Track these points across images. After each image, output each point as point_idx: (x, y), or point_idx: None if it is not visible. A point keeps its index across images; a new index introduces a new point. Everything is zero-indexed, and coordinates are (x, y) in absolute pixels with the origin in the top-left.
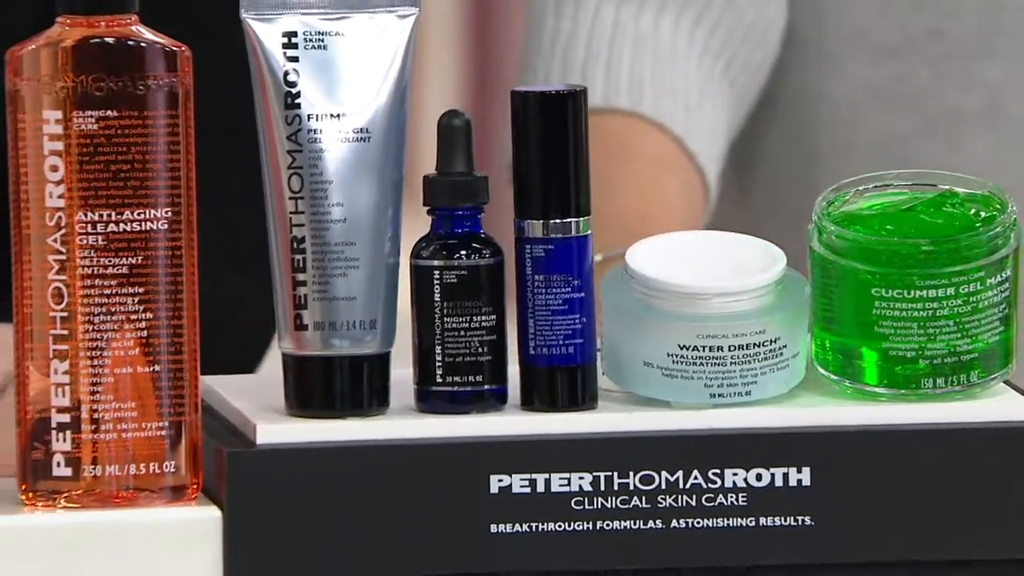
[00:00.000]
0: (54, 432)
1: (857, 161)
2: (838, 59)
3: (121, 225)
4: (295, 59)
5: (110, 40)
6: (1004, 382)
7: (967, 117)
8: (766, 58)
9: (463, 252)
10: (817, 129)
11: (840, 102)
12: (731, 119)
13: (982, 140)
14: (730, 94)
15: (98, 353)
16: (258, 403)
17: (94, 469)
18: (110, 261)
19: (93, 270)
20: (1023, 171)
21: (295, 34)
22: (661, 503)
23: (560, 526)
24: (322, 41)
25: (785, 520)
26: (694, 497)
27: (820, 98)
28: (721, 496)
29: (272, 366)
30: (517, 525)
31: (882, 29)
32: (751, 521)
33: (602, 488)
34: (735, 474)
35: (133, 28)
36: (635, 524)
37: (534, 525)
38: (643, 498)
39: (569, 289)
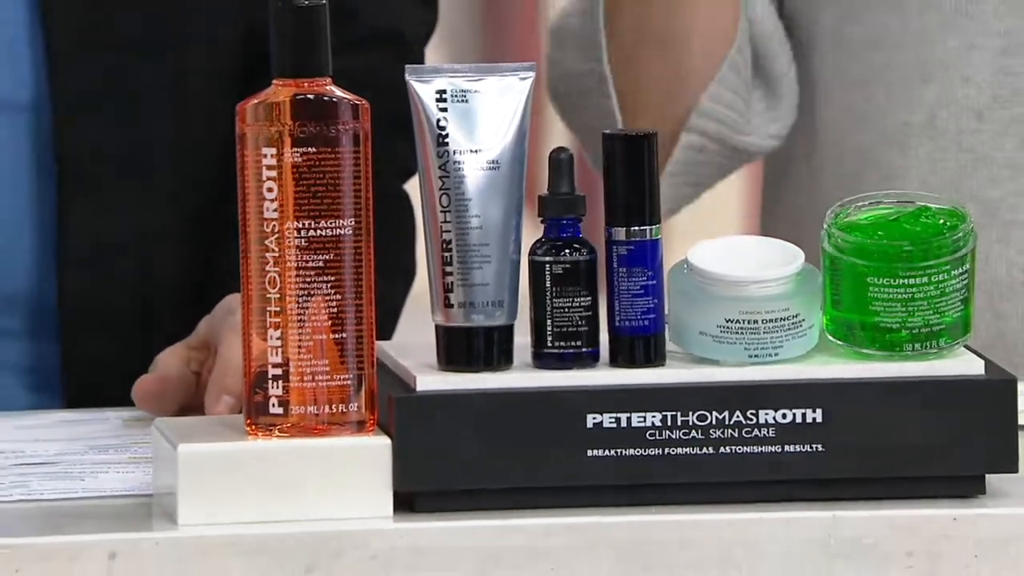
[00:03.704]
0: (270, 381)
1: (846, 167)
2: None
3: (318, 231)
4: (445, 109)
5: (311, 96)
6: (964, 346)
7: (913, 129)
8: None
9: (567, 251)
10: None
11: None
12: None
13: (924, 146)
14: None
15: (301, 324)
16: (417, 361)
17: (299, 408)
18: (310, 258)
19: (298, 264)
20: (954, 170)
21: (445, 91)
22: (712, 435)
23: (638, 452)
24: (464, 96)
25: (803, 447)
26: (736, 430)
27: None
28: (756, 430)
29: (426, 334)
30: (606, 451)
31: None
32: (778, 448)
33: (669, 424)
34: (766, 414)
35: (327, 87)
36: (693, 450)
37: (619, 451)
38: (699, 431)
39: (645, 278)
